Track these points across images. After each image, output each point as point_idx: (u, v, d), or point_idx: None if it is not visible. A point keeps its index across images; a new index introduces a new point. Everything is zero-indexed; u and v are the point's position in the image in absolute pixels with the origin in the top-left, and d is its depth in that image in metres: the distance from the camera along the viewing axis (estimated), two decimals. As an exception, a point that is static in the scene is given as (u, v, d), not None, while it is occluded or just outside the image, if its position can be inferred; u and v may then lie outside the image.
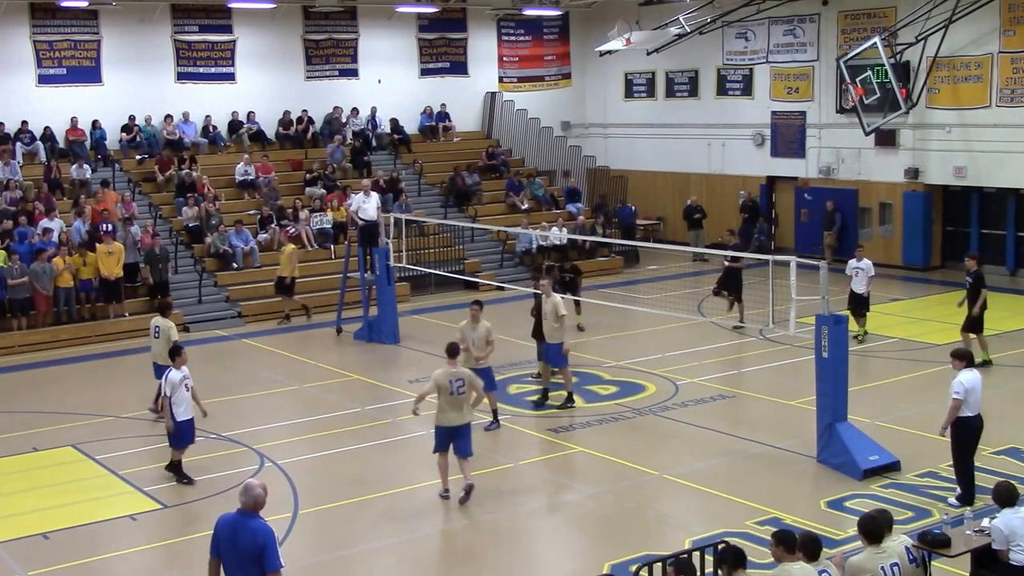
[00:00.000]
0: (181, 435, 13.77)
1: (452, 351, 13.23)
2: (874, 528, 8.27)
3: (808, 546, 8.04)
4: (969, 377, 12.10)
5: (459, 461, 13.03)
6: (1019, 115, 25.38)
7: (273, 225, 26.34)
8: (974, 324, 18.09)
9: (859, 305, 20.01)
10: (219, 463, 14.78)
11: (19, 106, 27.18)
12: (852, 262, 20.23)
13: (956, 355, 12.48)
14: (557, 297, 16.79)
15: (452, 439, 12.96)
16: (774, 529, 11.45)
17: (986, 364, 17.87)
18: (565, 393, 16.87)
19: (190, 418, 13.83)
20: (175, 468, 13.89)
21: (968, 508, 11.44)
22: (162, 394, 13.85)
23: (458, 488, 12.95)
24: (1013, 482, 9.78)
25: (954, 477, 13.02)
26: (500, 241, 29.01)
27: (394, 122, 31.74)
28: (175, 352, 14.00)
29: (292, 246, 24.59)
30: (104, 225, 23.66)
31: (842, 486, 12.97)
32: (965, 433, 12.15)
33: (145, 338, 22.53)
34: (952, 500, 12.36)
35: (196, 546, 11.83)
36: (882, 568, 8.09)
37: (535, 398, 17.12)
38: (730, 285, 21.56)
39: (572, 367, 18.86)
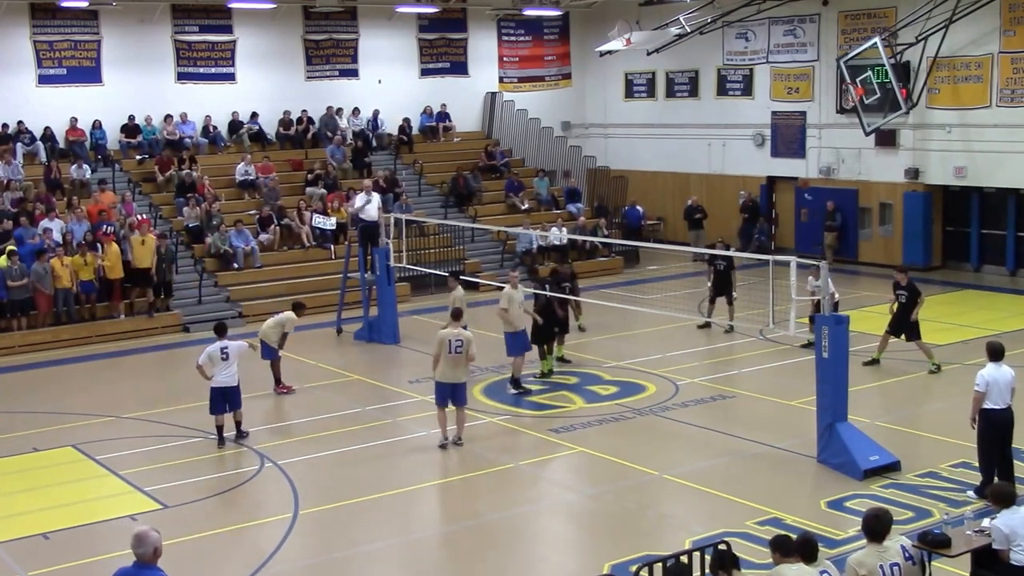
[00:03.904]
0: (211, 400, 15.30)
1: (456, 314, 15.14)
2: (878, 527, 8.28)
3: (805, 548, 8.02)
4: (991, 370, 12.10)
5: (456, 411, 14.83)
6: (1019, 115, 25.37)
7: (274, 225, 26.36)
8: (911, 328, 17.93)
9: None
10: (219, 463, 14.81)
11: (19, 106, 27.18)
12: (811, 279, 18.96)
13: (986, 348, 12.49)
14: (507, 289, 17.71)
15: (451, 394, 14.71)
16: (774, 529, 11.51)
17: (874, 363, 18.15)
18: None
19: (219, 386, 15.12)
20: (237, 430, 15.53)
21: (968, 508, 11.46)
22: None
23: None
24: (1011, 482, 9.80)
25: (954, 477, 13.11)
26: (500, 241, 29.01)
27: (406, 122, 31.70)
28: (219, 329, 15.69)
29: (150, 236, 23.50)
30: (103, 227, 23.67)
31: (842, 486, 12.96)
32: (985, 425, 12.14)
33: (146, 338, 22.83)
34: (970, 493, 12.42)
35: (196, 546, 11.87)
36: (881, 567, 8.08)
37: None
38: (722, 288, 21.49)
39: (573, 367, 19.04)
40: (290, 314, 18.13)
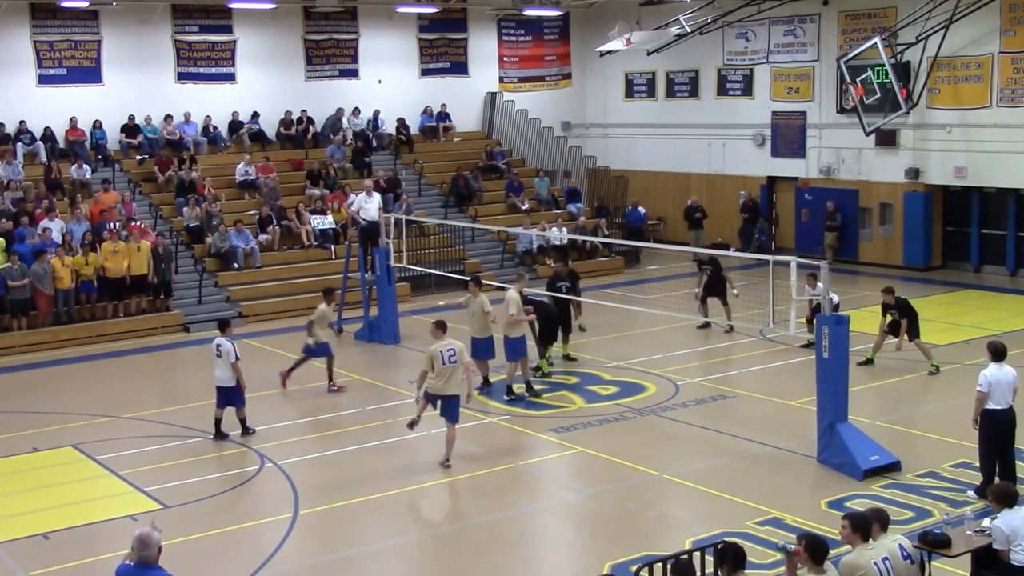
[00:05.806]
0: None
1: (441, 326, 14.38)
2: (863, 525, 8.28)
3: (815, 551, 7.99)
4: (993, 370, 12.10)
5: (447, 427, 14.10)
6: (1019, 115, 25.37)
7: (274, 225, 26.35)
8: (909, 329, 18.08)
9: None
10: (219, 463, 14.82)
11: (19, 106, 27.18)
12: (807, 288, 18.16)
13: (988, 348, 12.49)
14: (511, 294, 17.59)
15: (440, 405, 14.06)
16: (774, 529, 11.51)
17: (868, 363, 18.20)
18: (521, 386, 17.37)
19: (216, 384, 15.38)
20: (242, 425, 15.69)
21: (968, 508, 11.46)
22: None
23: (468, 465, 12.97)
24: (1012, 482, 9.79)
25: (954, 477, 13.11)
26: (501, 241, 29.01)
27: (400, 121, 31.74)
28: (219, 325, 15.91)
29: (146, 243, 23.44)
30: (109, 224, 23.69)
31: (842, 486, 12.96)
32: (988, 426, 12.14)
33: (145, 338, 22.83)
34: (970, 493, 12.42)
35: (196, 546, 11.87)
36: (875, 563, 8.09)
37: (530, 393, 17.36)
38: (715, 289, 21.49)
39: (574, 367, 19.05)
40: (320, 308, 18.35)
